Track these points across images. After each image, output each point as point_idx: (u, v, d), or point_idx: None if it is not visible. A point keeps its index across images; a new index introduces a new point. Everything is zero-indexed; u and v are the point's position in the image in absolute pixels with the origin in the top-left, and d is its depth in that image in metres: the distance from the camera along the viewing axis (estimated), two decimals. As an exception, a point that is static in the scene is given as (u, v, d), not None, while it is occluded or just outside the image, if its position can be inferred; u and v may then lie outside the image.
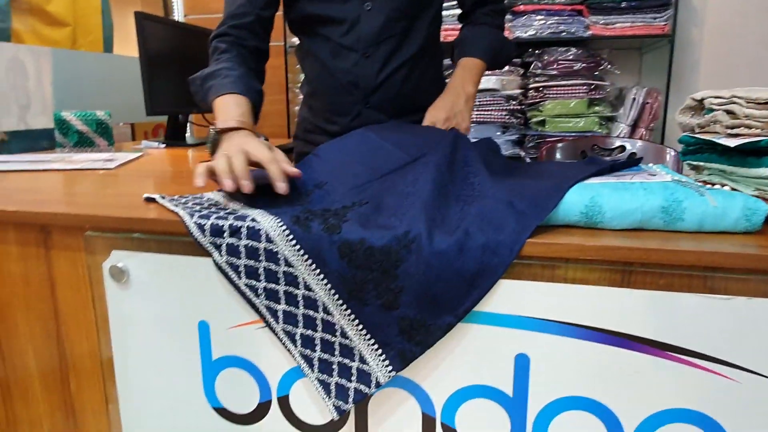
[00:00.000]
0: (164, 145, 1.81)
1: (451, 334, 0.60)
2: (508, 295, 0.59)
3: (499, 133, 2.29)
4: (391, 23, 1.08)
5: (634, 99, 2.18)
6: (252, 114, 0.91)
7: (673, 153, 1.67)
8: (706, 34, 2.33)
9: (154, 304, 0.72)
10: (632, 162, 0.80)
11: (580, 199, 0.61)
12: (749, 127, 0.72)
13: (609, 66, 2.17)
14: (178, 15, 2.65)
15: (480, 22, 1.19)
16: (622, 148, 1.84)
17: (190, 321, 0.71)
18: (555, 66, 2.17)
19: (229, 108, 0.87)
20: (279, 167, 0.69)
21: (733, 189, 0.72)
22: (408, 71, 1.12)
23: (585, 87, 2.16)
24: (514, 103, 2.26)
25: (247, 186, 0.67)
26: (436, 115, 1.04)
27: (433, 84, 1.19)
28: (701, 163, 0.81)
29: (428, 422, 0.64)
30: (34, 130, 1.88)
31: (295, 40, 1.24)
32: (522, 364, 0.60)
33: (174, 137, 1.95)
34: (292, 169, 0.70)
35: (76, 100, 1.99)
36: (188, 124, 2.09)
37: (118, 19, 2.91)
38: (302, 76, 1.26)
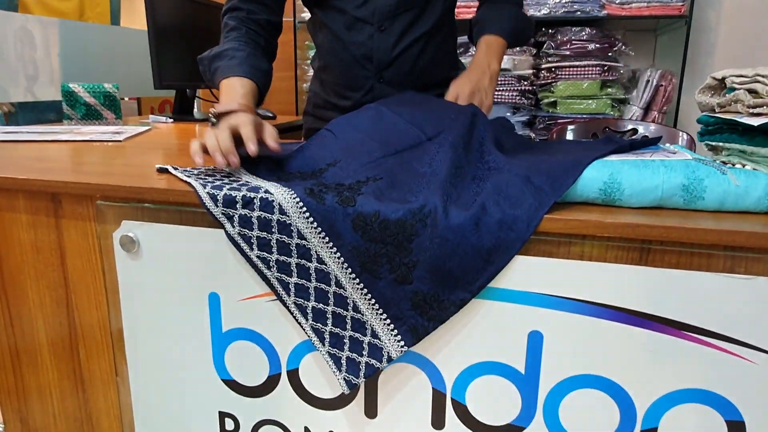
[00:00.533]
0: (171, 120, 1.80)
1: (463, 310, 0.59)
2: (523, 271, 0.58)
3: (509, 114, 2.26)
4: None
5: (648, 81, 2.14)
6: (255, 95, 0.92)
7: (686, 137, 1.65)
8: (724, 17, 2.28)
9: (165, 275, 0.71)
10: (651, 141, 0.79)
11: (598, 175, 0.60)
12: (773, 106, 0.70)
13: (623, 47, 2.13)
14: (186, -12, 2.61)
15: (500, 0, 1.17)
16: (634, 131, 1.82)
17: (200, 293, 0.70)
18: (568, 46, 2.13)
19: (231, 91, 0.88)
20: (250, 130, 0.72)
21: (754, 169, 0.71)
22: (423, 46, 1.10)
23: (598, 68, 2.12)
24: (525, 83, 2.22)
25: (234, 161, 0.68)
26: (461, 89, 1.02)
27: (446, 60, 1.17)
28: (720, 144, 0.79)
29: (438, 398, 0.64)
30: (42, 102, 1.87)
31: (306, 15, 1.21)
32: (535, 341, 0.59)
33: (182, 112, 1.93)
34: (273, 144, 0.73)
35: (83, 73, 1.98)
36: (196, 99, 2.07)
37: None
38: (311, 53, 1.24)
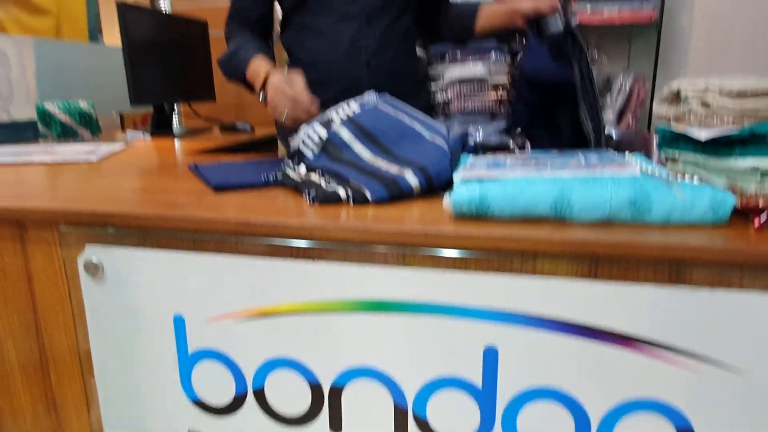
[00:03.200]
0: (150, 136, 1.80)
1: (419, 325, 0.61)
2: (478, 287, 0.59)
3: (486, 122, 2.29)
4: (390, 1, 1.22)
5: (620, 86, 2.18)
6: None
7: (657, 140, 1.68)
8: (696, 21, 2.32)
9: (130, 298, 0.72)
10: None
11: (549, 192, 0.61)
12: (722, 118, 0.72)
13: (596, 53, 2.17)
14: (166, 3, 2.62)
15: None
16: (608, 136, 1.84)
17: (165, 315, 0.71)
18: (543, 54, 2.16)
19: (261, 65, 1.08)
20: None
21: (707, 180, 0.73)
22: (401, 40, 1.27)
23: (573, 75, 2.15)
24: (502, 91, 2.25)
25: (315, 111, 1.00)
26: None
27: (413, 56, 1.37)
28: (677, 154, 0.81)
29: (400, 414, 0.65)
30: (18, 121, 1.87)
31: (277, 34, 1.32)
32: (491, 355, 0.60)
33: (160, 127, 1.94)
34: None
35: (61, 90, 1.97)
36: (174, 114, 2.07)
37: (108, 7, 2.86)
38: (287, 64, 1.31)
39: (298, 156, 0.83)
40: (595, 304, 0.57)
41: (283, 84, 1.00)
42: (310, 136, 0.82)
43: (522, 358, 0.60)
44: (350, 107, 0.85)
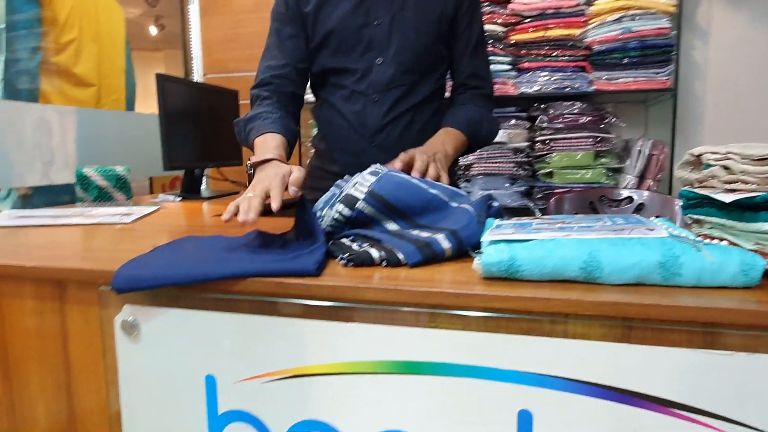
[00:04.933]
0: (180, 198, 1.87)
1: (452, 387, 0.60)
2: (510, 350, 0.59)
3: (507, 185, 2.32)
4: (398, 76, 1.22)
5: (639, 151, 2.21)
6: (286, 148, 1.08)
7: (681, 203, 1.68)
8: (710, 88, 2.38)
9: (163, 358, 0.73)
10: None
11: (578, 254, 0.62)
12: (745, 182, 0.73)
13: (614, 119, 2.22)
14: (198, 74, 2.77)
15: (460, 103, 1.31)
16: (630, 198, 1.85)
17: (197, 375, 0.72)
18: (561, 120, 2.22)
19: (265, 143, 1.05)
20: (279, 192, 0.84)
21: (734, 243, 0.73)
22: (411, 117, 1.24)
23: (591, 139, 2.20)
24: (521, 155, 2.30)
25: (249, 226, 0.80)
26: (412, 152, 1.05)
27: (430, 129, 1.27)
28: (702, 217, 0.82)
29: (432, 480, 0.63)
30: (57, 185, 1.95)
31: (309, 97, 1.35)
32: (525, 419, 0.59)
33: (190, 190, 2.00)
34: (290, 193, 0.87)
35: (98, 156, 2.07)
36: (203, 178, 2.15)
37: (141, 79, 3.04)
38: (314, 131, 1.35)
39: (327, 237, 0.83)
40: (629, 368, 0.57)
41: (270, 178, 0.88)
42: (335, 219, 0.82)
43: (557, 422, 0.59)
44: (365, 180, 0.85)
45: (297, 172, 0.88)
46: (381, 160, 1.16)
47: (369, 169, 0.89)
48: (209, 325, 0.70)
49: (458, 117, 1.27)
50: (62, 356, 0.81)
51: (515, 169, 2.28)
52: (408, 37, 1.22)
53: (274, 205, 0.83)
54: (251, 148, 1.11)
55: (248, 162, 0.94)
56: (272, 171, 0.89)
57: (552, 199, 1.89)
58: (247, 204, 0.81)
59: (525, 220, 0.84)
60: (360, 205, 0.81)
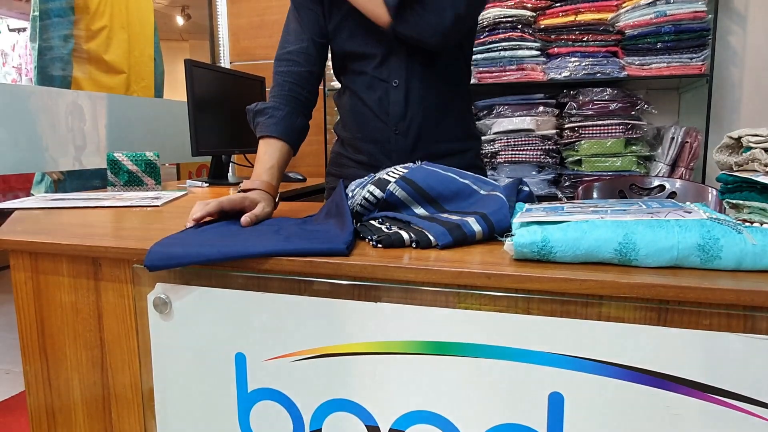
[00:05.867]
0: (207, 184, 1.89)
1: (482, 368, 0.60)
2: (541, 331, 0.59)
3: (534, 173, 2.29)
4: (416, 60, 1.18)
5: (672, 138, 2.15)
6: (286, 158, 1.10)
7: (714, 192, 1.64)
8: (747, 74, 2.30)
9: (194, 336, 0.74)
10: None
11: (613, 236, 0.61)
12: (789, 165, 0.71)
13: (646, 106, 2.16)
14: (225, 61, 2.79)
15: None
16: (662, 187, 1.81)
17: (227, 353, 0.73)
18: (590, 106, 2.17)
19: (261, 162, 1.06)
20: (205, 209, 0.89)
21: (776, 227, 0.71)
22: (434, 100, 1.21)
23: (621, 127, 2.15)
24: (549, 142, 2.26)
25: (190, 223, 0.86)
26: None
27: (458, 119, 1.26)
28: (741, 202, 0.79)
29: (461, 461, 0.63)
30: (88, 170, 1.99)
31: (335, 84, 1.33)
32: (556, 402, 0.59)
33: (217, 176, 2.03)
34: (245, 219, 0.87)
35: (127, 142, 2.11)
36: (230, 164, 2.17)
37: (170, 66, 3.08)
38: (338, 118, 1.34)
39: (356, 218, 0.84)
40: (665, 351, 0.55)
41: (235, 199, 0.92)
42: (366, 198, 0.83)
43: (589, 406, 0.58)
44: (399, 169, 0.85)
45: (260, 209, 0.91)
46: (404, 148, 1.19)
47: (402, 165, 0.90)
48: (239, 303, 0.71)
49: None
50: (97, 332, 0.83)
51: (543, 156, 2.25)
52: None
53: (190, 224, 0.87)
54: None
55: (240, 186, 1.00)
56: (238, 196, 0.93)
57: (580, 188, 1.86)
58: (199, 207, 0.89)
59: (556, 204, 0.83)
60: (392, 187, 0.81)
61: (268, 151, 1.07)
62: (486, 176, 1.10)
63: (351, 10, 1.15)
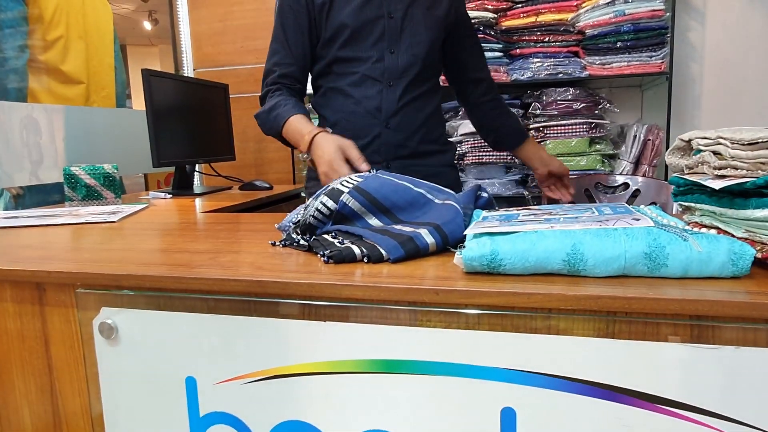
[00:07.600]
0: (170, 195, 1.85)
1: (433, 386, 0.59)
2: (492, 346, 0.58)
3: (502, 174, 2.30)
4: (410, 65, 1.30)
5: (635, 136, 2.18)
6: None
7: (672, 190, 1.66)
8: (706, 70, 2.35)
9: (143, 360, 0.72)
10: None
11: (561, 246, 0.60)
12: (735, 168, 0.72)
13: (608, 105, 2.19)
14: (188, 68, 2.74)
15: (493, 108, 1.49)
16: (626, 185, 1.83)
17: (177, 377, 0.70)
18: (554, 106, 2.19)
19: (302, 123, 1.17)
20: (356, 152, 1.05)
21: (724, 231, 0.71)
22: (421, 102, 1.33)
23: (585, 126, 2.17)
24: (516, 143, 2.27)
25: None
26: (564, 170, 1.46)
27: (434, 117, 1.39)
28: (693, 204, 0.80)
29: (417, 480, 0.62)
30: (48, 184, 1.94)
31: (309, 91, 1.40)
32: (508, 417, 0.58)
33: (181, 187, 1.99)
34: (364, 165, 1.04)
35: (88, 154, 2.05)
36: (195, 174, 2.13)
37: (136, 74, 3.01)
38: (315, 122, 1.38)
39: (309, 230, 0.82)
40: (614, 363, 0.55)
41: (336, 145, 1.06)
42: (319, 210, 0.81)
43: (541, 420, 0.57)
44: (352, 178, 0.84)
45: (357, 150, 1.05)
46: (395, 142, 1.29)
47: (357, 174, 0.91)
48: (187, 326, 0.69)
49: (519, 125, 1.52)
50: (44, 359, 0.80)
51: (509, 157, 2.26)
52: (419, 31, 1.29)
53: (364, 166, 1.03)
54: (279, 133, 1.21)
55: (303, 155, 1.10)
56: (332, 146, 1.04)
57: (547, 187, 1.87)
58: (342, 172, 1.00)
59: (512, 211, 0.82)
60: (345, 198, 0.79)
61: (301, 120, 1.17)
62: (459, 175, 1.17)
63: (349, 20, 1.25)
